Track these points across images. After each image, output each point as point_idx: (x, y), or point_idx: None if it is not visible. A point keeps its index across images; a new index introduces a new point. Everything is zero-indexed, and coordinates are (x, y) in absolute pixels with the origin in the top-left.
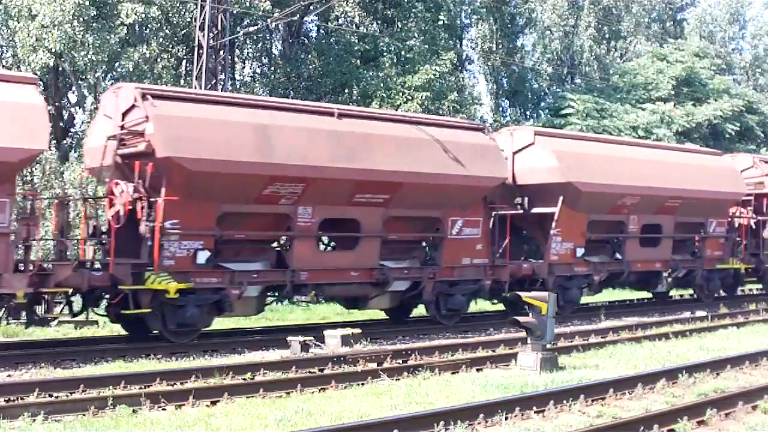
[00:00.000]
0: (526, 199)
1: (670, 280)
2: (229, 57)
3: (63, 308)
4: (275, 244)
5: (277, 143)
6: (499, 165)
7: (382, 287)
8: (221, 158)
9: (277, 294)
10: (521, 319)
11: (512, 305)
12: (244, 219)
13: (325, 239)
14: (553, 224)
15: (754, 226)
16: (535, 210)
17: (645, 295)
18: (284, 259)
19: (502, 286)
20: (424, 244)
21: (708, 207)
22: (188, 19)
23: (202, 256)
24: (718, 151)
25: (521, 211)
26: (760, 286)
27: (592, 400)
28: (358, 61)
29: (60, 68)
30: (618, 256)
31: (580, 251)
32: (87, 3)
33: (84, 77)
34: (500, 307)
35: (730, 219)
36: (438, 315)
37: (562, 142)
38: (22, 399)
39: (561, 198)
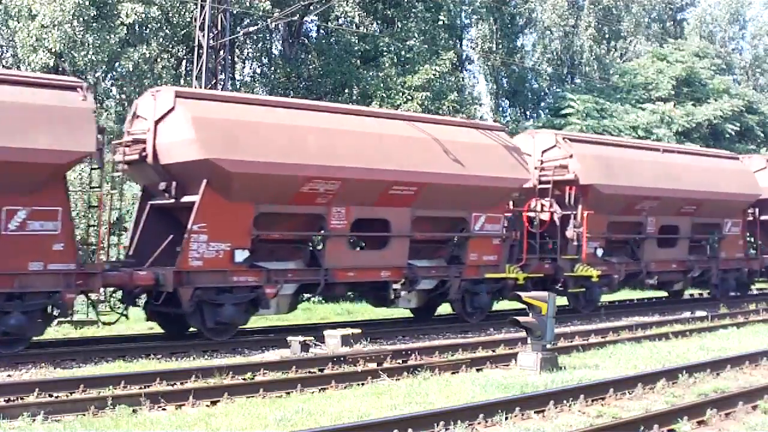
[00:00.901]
0: (173, 184)
1: (405, 293)
2: (229, 57)
3: None
4: None
5: None
6: (79, 135)
7: None
8: None
9: None
10: (521, 319)
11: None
12: None
13: None
14: (193, 218)
15: (558, 223)
16: (184, 198)
17: (643, 295)
18: None
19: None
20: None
21: (470, 197)
22: (188, 19)
23: None
24: (499, 125)
25: (171, 201)
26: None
27: (592, 400)
28: (358, 61)
29: (60, 68)
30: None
31: (241, 255)
32: (87, 3)
33: (84, 77)
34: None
35: (509, 214)
36: None
37: (212, 106)
38: (22, 399)
39: (205, 182)
